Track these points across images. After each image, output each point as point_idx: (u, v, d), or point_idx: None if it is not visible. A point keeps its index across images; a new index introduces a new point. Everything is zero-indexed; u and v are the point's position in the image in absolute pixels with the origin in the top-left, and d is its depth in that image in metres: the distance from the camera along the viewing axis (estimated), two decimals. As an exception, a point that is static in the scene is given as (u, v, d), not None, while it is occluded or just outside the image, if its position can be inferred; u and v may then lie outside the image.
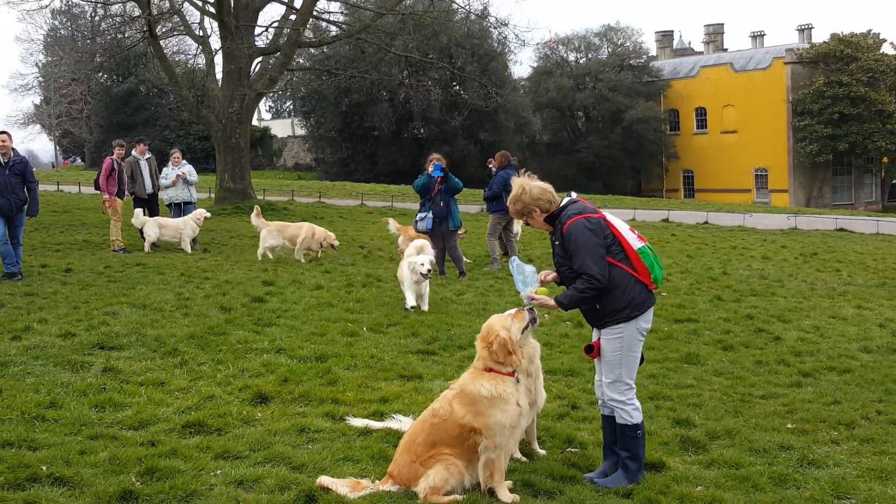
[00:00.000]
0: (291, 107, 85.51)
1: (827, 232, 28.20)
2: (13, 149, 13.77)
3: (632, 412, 6.02)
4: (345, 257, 17.10)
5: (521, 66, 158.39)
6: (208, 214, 18.50)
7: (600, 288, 5.83)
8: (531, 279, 6.07)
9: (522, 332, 5.99)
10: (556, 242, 6.04)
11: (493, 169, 17.06)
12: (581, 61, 76.65)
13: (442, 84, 61.10)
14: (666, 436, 6.93)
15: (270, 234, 16.91)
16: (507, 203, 6.23)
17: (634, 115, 69.62)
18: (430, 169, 14.81)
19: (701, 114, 74.36)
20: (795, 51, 67.46)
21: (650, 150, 72.68)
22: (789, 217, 33.02)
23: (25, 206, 13.83)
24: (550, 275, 6.21)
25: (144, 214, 18.11)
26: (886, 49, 66.16)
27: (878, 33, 66.50)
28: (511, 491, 5.77)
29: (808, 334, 11.04)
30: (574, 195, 6.17)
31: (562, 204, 6.08)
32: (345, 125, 64.82)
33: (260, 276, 14.45)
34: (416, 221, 15.15)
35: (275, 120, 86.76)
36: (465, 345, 9.84)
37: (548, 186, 6.14)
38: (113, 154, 18.06)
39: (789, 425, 7.30)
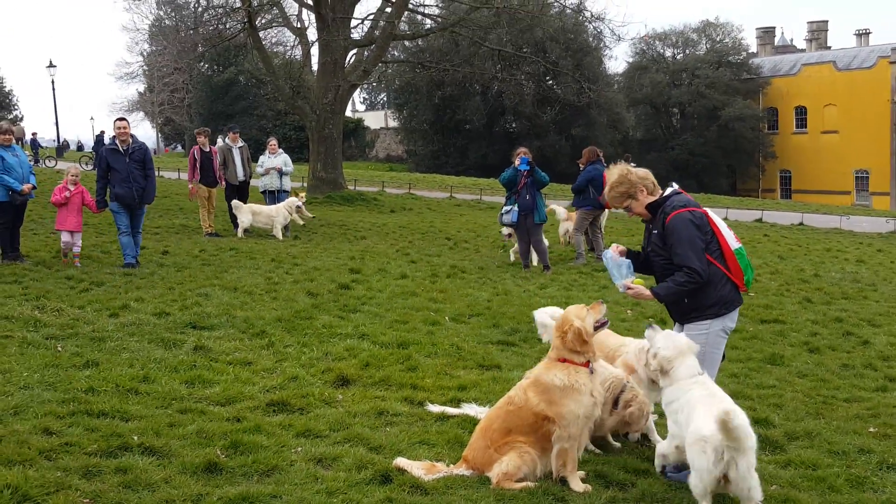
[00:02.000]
0: (385, 99, 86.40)
1: (928, 236, 27.19)
2: (132, 135, 13.69)
3: None
4: (431, 248, 17.30)
5: (616, 61, 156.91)
6: (301, 203, 18.93)
7: (699, 282, 5.85)
8: (626, 271, 6.08)
9: (598, 325, 6.03)
10: (655, 231, 6.04)
11: (582, 165, 17.01)
12: (678, 57, 75.41)
13: (535, 78, 60.92)
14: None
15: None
16: (608, 188, 6.14)
17: (731, 112, 68.18)
18: (517, 162, 14.85)
19: (801, 113, 72.44)
20: (901, 50, 65.22)
21: (746, 148, 71.08)
22: (888, 220, 31.92)
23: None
24: (620, 247, 6.24)
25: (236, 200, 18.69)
26: None
27: None
28: (583, 481, 5.83)
29: (898, 340, 10.75)
30: (676, 186, 6.17)
31: (665, 193, 6.09)
32: (437, 118, 65.21)
33: (347, 264, 14.75)
34: (502, 214, 15.22)
35: (368, 112, 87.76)
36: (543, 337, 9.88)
37: (648, 172, 6.19)
38: (196, 143, 18.57)
39: (871, 429, 7.16)
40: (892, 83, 64.54)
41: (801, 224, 29.74)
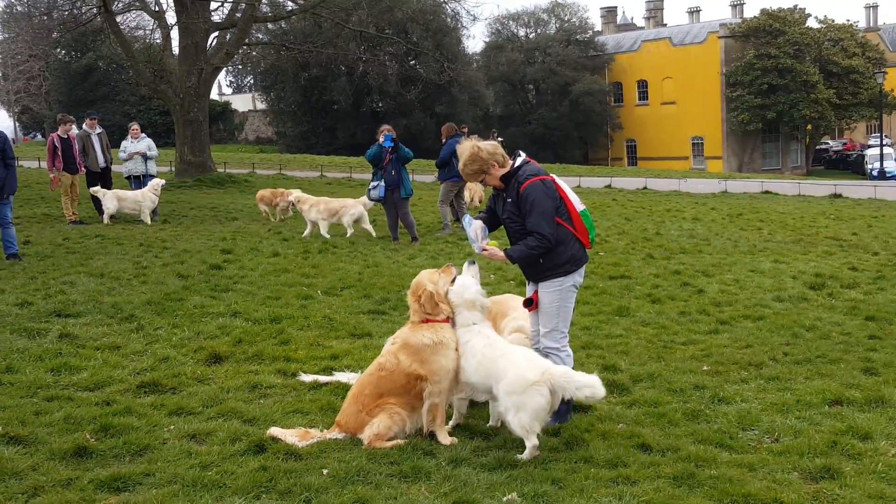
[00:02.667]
0: (251, 81, 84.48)
1: (754, 194, 28.70)
2: None
3: (565, 359, 6.24)
4: (303, 225, 17.05)
5: (474, 40, 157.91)
6: (163, 182, 18.24)
7: (549, 247, 6.00)
8: (482, 234, 6.21)
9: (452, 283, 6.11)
10: (509, 200, 6.11)
11: (443, 140, 17.12)
12: (530, 36, 76.69)
13: (397, 59, 60.58)
14: (594, 382, 7.10)
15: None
16: (461, 166, 6.16)
17: (581, 88, 69.97)
18: (381, 139, 14.80)
19: (643, 86, 74.89)
20: (728, 25, 68.18)
21: (596, 121, 73.20)
22: (720, 181, 33.53)
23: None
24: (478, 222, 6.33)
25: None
26: (811, 23, 67.26)
27: (804, 8, 67.63)
28: (450, 434, 5.92)
29: (728, 287, 11.32)
30: (523, 155, 6.24)
31: (516, 164, 6.15)
32: (304, 99, 64.24)
33: (218, 245, 14.38)
34: (370, 190, 15.15)
35: (235, 94, 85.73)
36: (413, 304, 9.93)
37: (497, 145, 6.24)
38: (58, 130, 17.49)
39: (705, 368, 7.55)
40: (721, 56, 67.42)
41: (644, 188, 30.84)
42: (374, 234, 15.82)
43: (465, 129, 18.78)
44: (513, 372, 5.60)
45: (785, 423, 6.08)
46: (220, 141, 67.20)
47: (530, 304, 6.26)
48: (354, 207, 16.01)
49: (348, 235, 15.77)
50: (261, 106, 74.78)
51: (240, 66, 68.32)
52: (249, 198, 24.44)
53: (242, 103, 79.18)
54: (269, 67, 61.68)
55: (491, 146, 6.13)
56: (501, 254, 6.08)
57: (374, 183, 14.98)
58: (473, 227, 6.23)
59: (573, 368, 6.19)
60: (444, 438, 5.84)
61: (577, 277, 6.27)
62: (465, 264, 6.21)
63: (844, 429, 5.87)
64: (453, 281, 6.09)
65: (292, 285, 11.13)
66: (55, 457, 5.39)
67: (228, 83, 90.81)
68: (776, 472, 5.22)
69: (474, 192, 20.50)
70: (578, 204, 6.17)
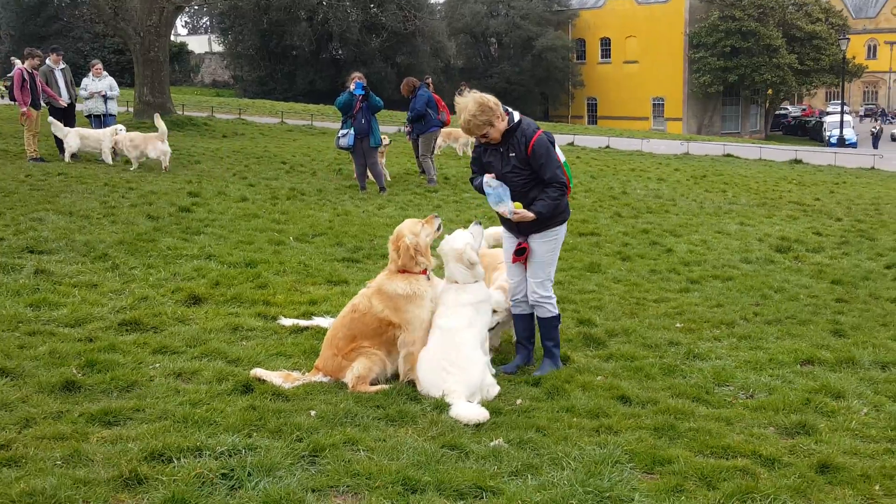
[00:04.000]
0: (208, 23, 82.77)
1: (716, 157, 29.05)
2: None
3: (555, 305, 6.43)
4: (268, 171, 16.99)
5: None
6: (122, 128, 17.84)
7: (565, 193, 6.18)
8: (505, 195, 6.07)
9: (436, 232, 6.18)
10: (512, 154, 6.08)
11: (407, 95, 16.81)
12: (495, -13, 76.01)
13: (360, 5, 59.95)
14: (570, 334, 7.29)
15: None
16: (469, 118, 5.98)
17: (544, 43, 69.75)
18: (352, 87, 14.69)
19: (605, 43, 74.97)
20: (694, -15, 68.24)
21: (558, 77, 73.13)
22: (682, 143, 33.87)
23: None
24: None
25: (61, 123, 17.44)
26: (776, -15, 67.47)
27: (771, -30, 67.62)
28: None
29: (696, 247, 11.58)
30: (509, 109, 6.22)
31: (515, 119, 6.12)
32: (263, 43, 63.19)
33: (185, 188, 14.25)
34: (339, 138, 15.07)
35: (191, 36, 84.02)
36: (386, 254, 9.96)
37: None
38: (24, 64, 17.01)
39: (678, 325, 7.77)
40: (686, 16, 67.69)
41: (607, 147, 31.05)
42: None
43: (429, 81, 18.62)
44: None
45: (759, 380, 6.29)
46: (175, 83, 65.71)
47: (523, 253, 6.32)
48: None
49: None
50: (217, 48, 73.35)
51: (196, 7, 66.78)
52: (210, 141, 24.18)
53: (198, 45, 77.59)
54: (228, 9, 60.43)
55: (490, 97, 6.09)
56: (531, 213, 6.07)
57: (344, 131, 14.90)
58: (502, 188, 6.07)
59: (560, 314, 6.52)
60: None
61: (565, 227, 6.45)
62: (472, 225, 6.20)
63: (817, 387, 6.08)
64: (438, 229, 6.14)
65: (263, 230, 11.12)
66: (44, 390, 5.42)
67: (184, 24, 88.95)
68: (753, 427, 5.40)
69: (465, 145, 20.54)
70: (561, 155, 6.29)
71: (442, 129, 17.89)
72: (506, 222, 6.38)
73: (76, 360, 5.93)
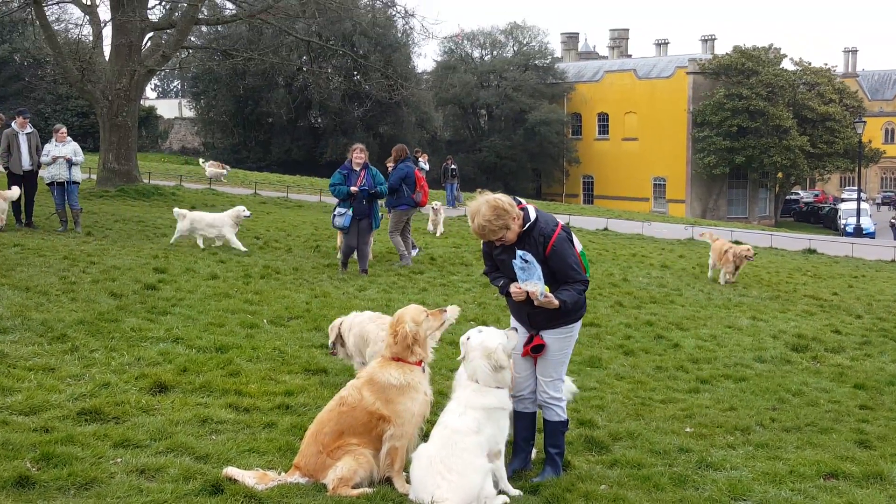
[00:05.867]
0: (179, 87, 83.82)
1: (723, 244, 29.31)
2: None
3: (564, 409, 6.42)
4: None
5: (425, 59, 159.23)
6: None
7: (586, 290, 6.23)
8: (538, 274, 6.02)
9: (440, 327, 6.19)
10: (529, 254, 6.04)
11: (391, 165, 17.12)
12: (486, 58, 77.68)
13: (343, 73, 60.95)
14: (570, 436, 7.21)
15: None
16: (485, 223, 5.97)
17: (538, 116, 70.93)
18: (355, 164, 14.87)
19: (603, 119, 76.27)
20: (698, 61, 69.88)
21: (552, 153, 74.14)
22: (686, 227, 34.22)
23: None
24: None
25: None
26: (786, 64, 69.19)
27: (779, 48, 69.54)
28: (408, 482, 5.92)
29: (705, 342, 11.61)
30: (524, 202, 6.26)
31: (532, 217, 6.12)
32: (238, 109, 64.00)
33: (150, 263, 14.26)
34: (335, 216, 15.14)
35: (161, 100, 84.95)
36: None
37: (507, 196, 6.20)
38: None
39: (688, 429, 7.72)
40: (689, 93, 69.03)
41: (605, 229, 31.33)
42: None
43: (419, 152, 18.92)
44: None
45: (779, 494, 6.23)
46: (142, 149, 66.18)
47: (540, 350, 6.29)
48: None
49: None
50: (188, 114, 74.20)
51: (169, 70, 67.68)
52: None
53: (168, 109, 78.48)
54: (202, 73, 61.35)
55: (505, 197, 6.09)
56: (556, 301, 6.05)
57: (342, 210, 14.95)
58: (536, 265, 6.00)
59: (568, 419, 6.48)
60: (402, 486, 5.88)
61: (580, 325, 6.49)
62: (509, 329, 6.22)
63: (843, 504, 6.02)
64: (442, 325, 6.13)
65: (235, 312, 11.10)
66: (-4, 486, 5.33)
67: (153, 87, 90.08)
68: (776, 547, 5.34)
69: (437, 223, 20.70)
70: (578, 245, 6.34)
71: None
72: (516, 312, 6.39)
73: (31, 453, 5.84)
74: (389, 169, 17.14)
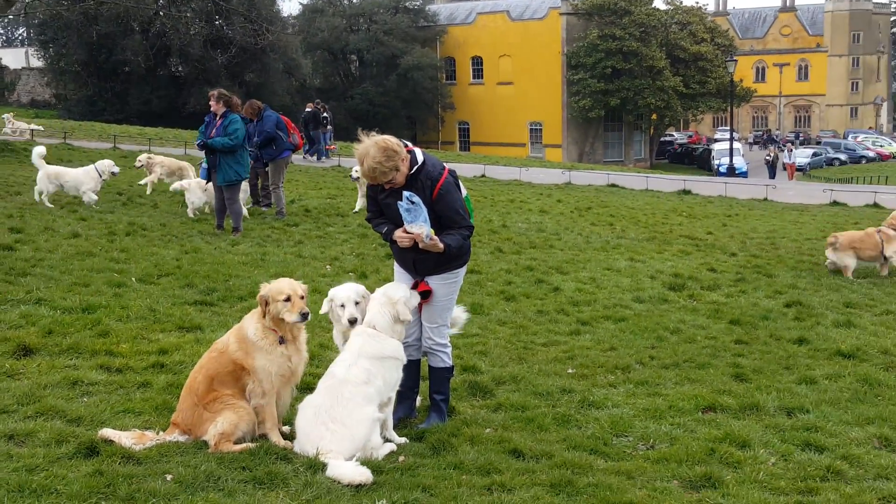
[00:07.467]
0: (25, 34, 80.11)
1: (600, 187, 30.09)
2: None
3: (450, 355, 6.60)
4: (101, 203, 16.55)
5: (290, 2, 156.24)
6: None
7: (471, 236, 6.38)
8: (424, 216, 6.08)
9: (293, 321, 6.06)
10: (410, 197, 6.09)
11: (252, 118, 16.54)
12: (355, 1, 76.69)
13: (203, 17, 59.27)
14: (454, 383, 7.38)
15: None
16: (374, 164, 5.99)
17: (410, 61, 70.73)
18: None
19: (477, 63, 76.60)
20: (571, 2, 70.63)
21: (426, 99, 74.16)
22: (564, 172, 34.93)
23: None
24: None
25: None
26: (658, 3, 70.82)
27: (652, -12, 70.76)
28: (286, 437, 6.04)
29: (585, 285, 11.99)
30: (410, 145, 6.31)
31: (419, 160, 6.18)
32: (91, 58, 61.51)
33: (5, 223, 13.76)
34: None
35: (6, 49, 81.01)
36: (245, 296, 9.99)
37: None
38: None
39: (570, 370, 8.04)
40: (563, 34, 69.85)
41: (483, 176, 31.67)
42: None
43: (321, 104, 18.54)
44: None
45: (659, 429, 6.55)
46: (-14, 101, 63.48)
47: (427, 296, 6.40)
48: None
49: None
50: (37, 63, 71.04)
51: (16, 17, 64.49)
52: (32, 169, 23.25)
53: (14, 59, 74.97)
54: (49, 19, 58.59)
55: (393, 139, 6.14)
56: (441, 244, 6.13)
57: (203, 164, 14.97)
58: (422, 208, 6.07)
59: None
60: (279, 441, 5.97)
61: (465, 270, 6.64)
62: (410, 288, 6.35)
63: (721, 436, 6.36)
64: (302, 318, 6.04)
65: (101, 271, 10.89)
66: None
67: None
68: (655, 481, 5.62)
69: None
70: (463, 189, 6.46)
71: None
72: (401, 258, 6.49)
73: None
74: (253, 122, 16.56)
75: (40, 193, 16.32)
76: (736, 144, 59.24)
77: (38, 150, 16.43)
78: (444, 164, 6.39)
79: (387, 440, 6.05)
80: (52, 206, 16.06)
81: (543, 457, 5.93)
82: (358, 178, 17.43)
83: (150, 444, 5.71)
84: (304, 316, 6.00)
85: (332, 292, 6.58)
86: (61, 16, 51.39)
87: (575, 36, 68.99)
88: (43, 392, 6.55)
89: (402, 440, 6.15)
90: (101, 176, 16.57)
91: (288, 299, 5.99)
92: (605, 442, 6.29)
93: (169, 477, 5.23)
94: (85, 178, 16.50)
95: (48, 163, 16.63)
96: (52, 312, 8.71)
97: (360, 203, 17.56)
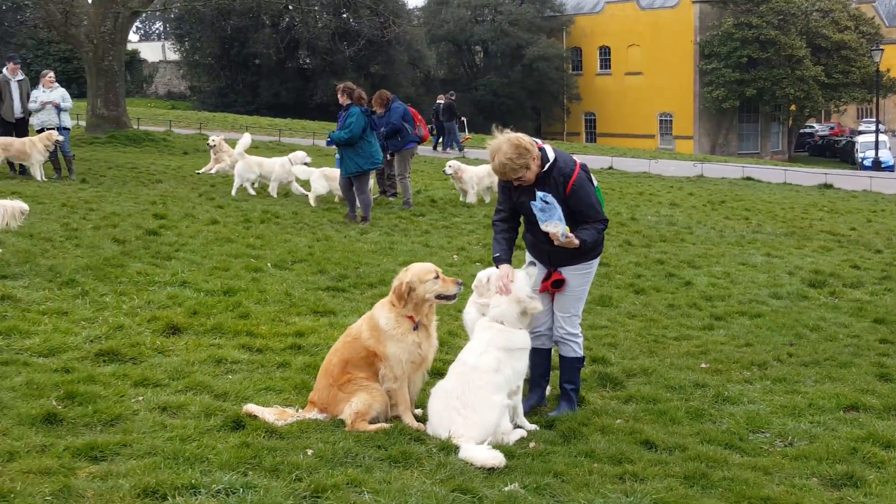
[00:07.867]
0: (162, 28, 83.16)
1: (734, 180, 29.46)
2: None
3: (581, 345, 6.71)
4: (238, 192, 17.30)
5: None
6: (60, 138, 17.88)
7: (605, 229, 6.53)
8: (557, 216, 6.19)
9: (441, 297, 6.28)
10: (545, 192, 6.22)
11: (379, 110, 16.72)
12: (480, -9, 76.64)
13: (331, 10, 60.47)
14: (583, 373, 7.44)
15: None
16: (505, 161, 6.12)
17: (535, 51, 70.09)
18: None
19: (605, 53, 75.47)
20: (704, -10, 68.84)
21: (551, 90, 73.42)
22: (695, 164, 34.30)
23: None
24: None
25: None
26: (798, -9, 68.10)
27: (790, -27, 68.27)
28: (419, 420, 6.24)
29: (718, 280, 11.84)
30: (541, 142, 6.42)
31: (551, 157, 6.30)
32: (223, 51, 63.55)
33: (149, 209, 14.55)
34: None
35: (143, 43, 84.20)
36: (375, 283, 10.30)
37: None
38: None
39: (703, 365, 7.98)
40: (695, 23, 68.09)
41: (610, 168, 31.43)
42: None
43: (454, 96, 18.90)
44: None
45: (798, 427, 6.46)
46: (127, 94, 65.90)
47: (560, 285, 6.53)
48: None
49: None
50: (172, 57, 73.73)
51: (152, 12, 67.09)
52: (170, 158, 24.43)
53: (151, 53, 77.91)
54: (185, 14, 60.79)
55: (525, 136, 6.25)
56: (576, 240, 6.26)
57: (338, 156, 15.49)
58: (556, 206, 6.16)
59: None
60: (411, 421, 6.17)
61: (598, 262, 6.76)
62: (526, 265, 6.51)
63: (864, 436, 6.23)
64: (445, 298, 6.28)
65: (238, 256, 11.39)
66: (24, 422, 5.67)
67: (135, 29, 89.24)
68: (794, 477, 5.57)
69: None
70: (594, 180, 6.56)
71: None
72: (535, 249, 6.60)
73: (55, 392, 6.16)
74: (379, 114, 16.92)
75: (249, 182, 17.44)
76: (882, 137, 56.68)
77: (244, 141, 17.48)
78: (575, 159, 6.46)
79: (517, 426, 6.19)
80: (254, 193, 17.28)
81: (676, 449, 5.94)
82: (451, 174, 17.81)
83: (291, 420, 6.02)
84: (459, 286, 6.28)
85: (488, 271, 6.85)
86: (197, 11, 53.23)
87: (708, 24, 67.30)
88: (191, 368, 6.97)
89: (533, 427, 6.28)
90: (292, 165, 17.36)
91: (437, 276, 6.22)
92: (741, 437, 6.25)
93: (310, 452, 5.49)
94: (280, 170, 17.45)
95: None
96: (196, 294, 9.21)
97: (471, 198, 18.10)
